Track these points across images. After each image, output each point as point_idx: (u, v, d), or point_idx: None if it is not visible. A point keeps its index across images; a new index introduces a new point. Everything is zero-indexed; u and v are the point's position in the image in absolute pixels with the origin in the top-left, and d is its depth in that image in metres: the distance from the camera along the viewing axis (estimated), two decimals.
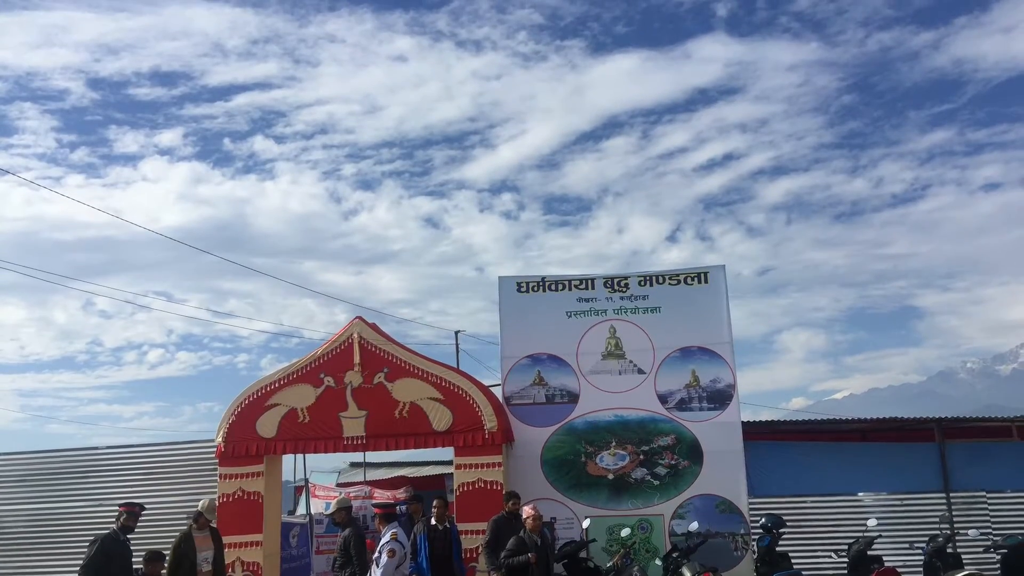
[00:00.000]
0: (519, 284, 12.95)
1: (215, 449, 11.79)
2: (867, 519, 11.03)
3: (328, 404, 11.73)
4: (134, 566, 9.07)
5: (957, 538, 11.44)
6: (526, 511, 9.37)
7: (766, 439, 13.47)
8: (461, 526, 10.81)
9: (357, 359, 11.77)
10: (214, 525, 9.93)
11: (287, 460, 13.27)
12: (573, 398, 12.44)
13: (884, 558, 10.77)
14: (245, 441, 11.64)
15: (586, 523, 11.37)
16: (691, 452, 12.05)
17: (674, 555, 10.55)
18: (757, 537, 11.33)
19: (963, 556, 10.95)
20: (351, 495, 13.55)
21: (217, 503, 10.89)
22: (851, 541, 11.00)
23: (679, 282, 12.73)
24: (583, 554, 10.85)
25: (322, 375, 11.84)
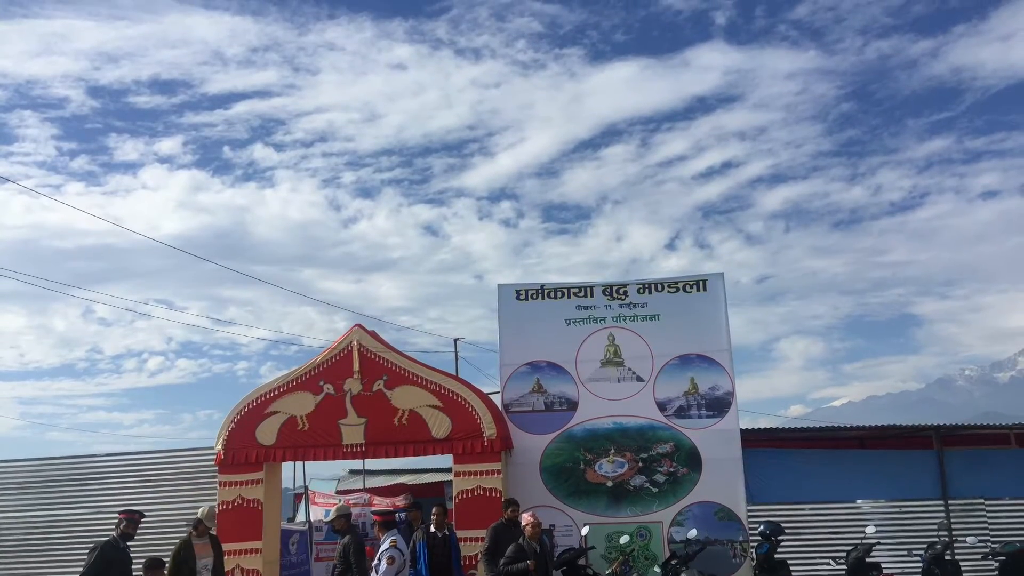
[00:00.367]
0: (518, 292, 12.99)
1: (215, 456, 11.79)
2: (865, 526, 11.05)
3: (327, 412, 11.75)
4: (134, 573, 9.09)
5: (955, 545, 11.46)
6: (525, 518, 9.39)
7: (765, 447, 13.49)
8: (460, 533, 10.83)
9: (356, 367, 11.79)
10: (214, 532, 9.95)
11: (286, 467, 13.28)
12: (572, 405, 12.46)
13: (882, 565, 10.80)
14: (245, 448, 11.65)
15: (585, 530, 11.40)
16: (690, 459, 12.07)
17: (673, 562, 10.57)
18: (756, 544, 11.34)
19: (961, 563, 10.98)
20: (350, 502, 13.55)
21: (217, 510, 10.91)
22: (849, 548, 11.01)
23: (678, 290, 12.78)
24: (582, 561, 10.86)
25: (321, 383, 11.86)
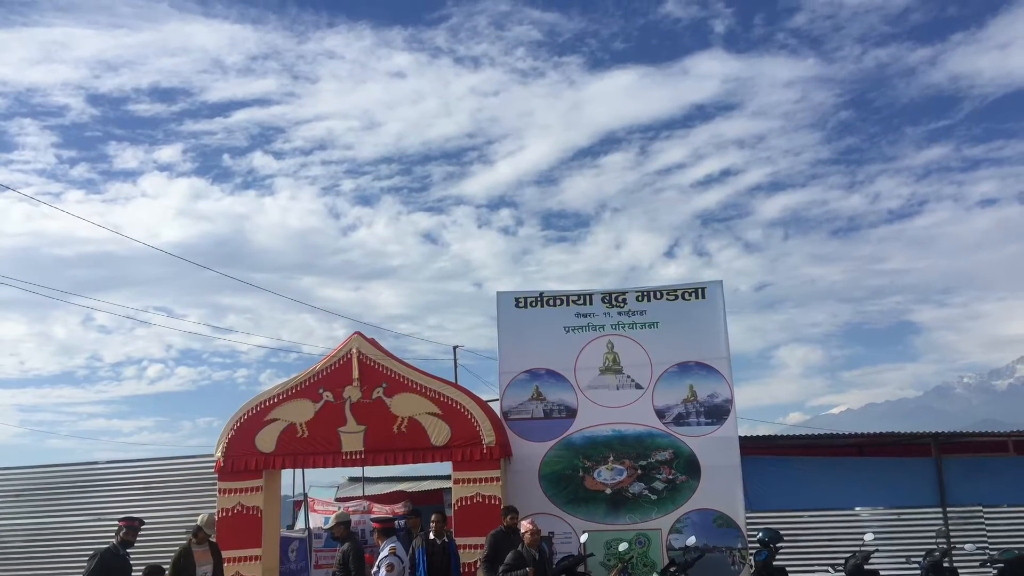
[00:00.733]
0: (517, 299, 13.03)
1: (214, 464, 11.81)
2: (864, 533, 11.08)
3: (327, 419, 11.77)
4: None
5: (953, 552, 11.49)
6: (524, 525, 9.40)
7: (763, 454, 13.51)
8: (459, 540, 10.83)
9: (356, 374, 11.82)
10: (213, 539, 9.96)
11: (286, 475, 13.30)
12: (571, 413, 12.49)
13: (881, 572, 10.83)
14: (244, 456, 11.67)
15: (584, 537, 11.40)
16: (689, 467, 12.09)
17: (672, 569, 10.59)
18: (754, 551, 11.36)
19: (959, 570, 11.01)
20: (350, 510, 13.57)
21: (216, 517, 10.91)
22: (848, 555, 11.04)
23: (677, 297, 12.82)
24: (581, 568, 10.87)
25: (321, 390, 11.88)
